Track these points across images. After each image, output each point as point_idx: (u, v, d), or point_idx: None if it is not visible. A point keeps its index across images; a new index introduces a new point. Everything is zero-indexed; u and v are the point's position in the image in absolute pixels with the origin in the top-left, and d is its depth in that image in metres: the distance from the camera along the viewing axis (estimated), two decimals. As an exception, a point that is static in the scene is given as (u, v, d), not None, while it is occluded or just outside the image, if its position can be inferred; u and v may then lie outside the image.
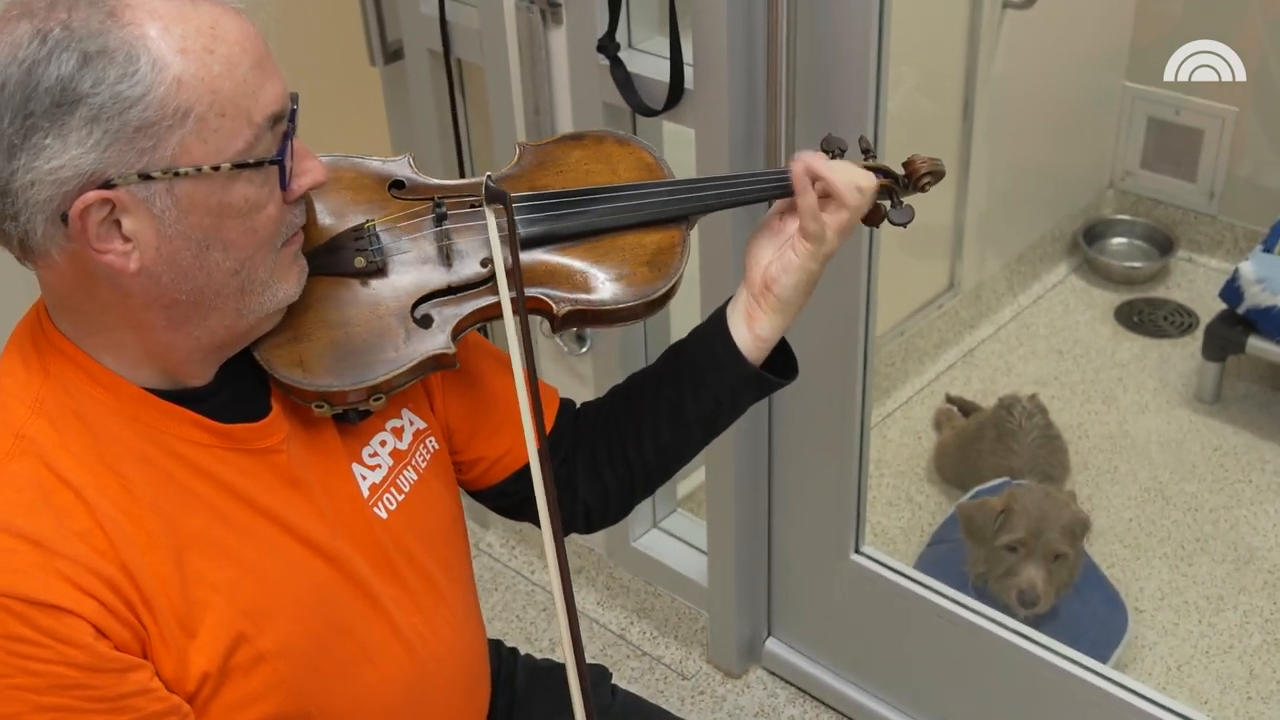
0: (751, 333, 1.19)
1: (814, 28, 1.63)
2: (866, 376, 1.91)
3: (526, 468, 1.18)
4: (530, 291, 1.12)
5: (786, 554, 2.13)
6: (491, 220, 1.11)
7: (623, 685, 1.55)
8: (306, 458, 1.09)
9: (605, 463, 1.26)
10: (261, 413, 1.07)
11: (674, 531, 2.32)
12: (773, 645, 2.23)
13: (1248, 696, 2.16)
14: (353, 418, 1.12)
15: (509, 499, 1.27)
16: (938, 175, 1.24)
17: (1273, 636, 2.25)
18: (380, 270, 1.10)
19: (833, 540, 2.04)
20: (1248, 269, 2.61)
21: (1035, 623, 2.06)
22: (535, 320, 1.14)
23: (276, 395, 1.08)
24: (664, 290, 1.15)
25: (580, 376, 2.16)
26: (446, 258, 1.11)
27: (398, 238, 1.11)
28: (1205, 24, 2.86)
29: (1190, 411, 2.76)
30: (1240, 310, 2.63)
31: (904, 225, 1.21)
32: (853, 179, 1.17)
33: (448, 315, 1.11)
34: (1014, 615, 2.04)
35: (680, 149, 1.86)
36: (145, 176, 0.92)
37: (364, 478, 1.13)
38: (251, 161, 0.95)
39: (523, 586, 2.43)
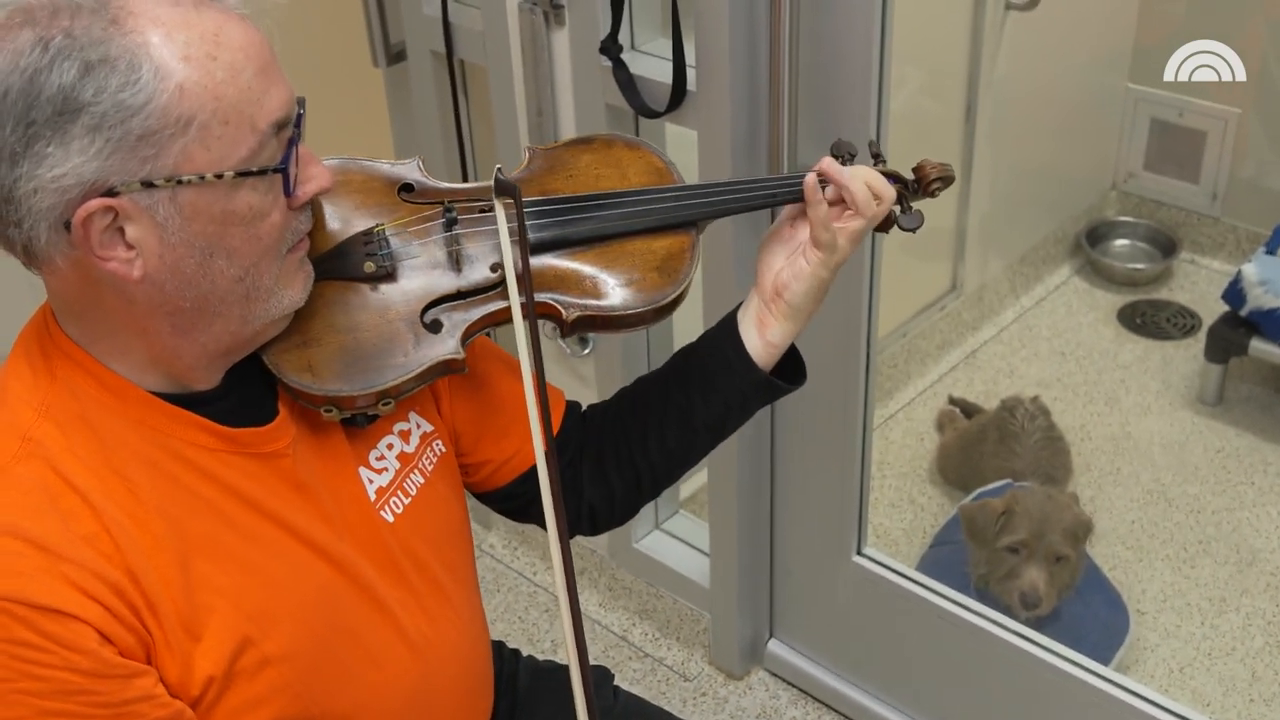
0: (762, 338, 1.19)
1: (816, 29, 1.63)
2: (869, 378, 1.91)
3: (533, 470, 1.18)
4: (540, 297, 1.12)
5: (788, 556, 2.13)
6: (502, 222, 1.10)
7: (625, 687, 1.55)
8: (313, 461, 1.09)
9: (611, 465, 1.26)
10: (268, 416, 1.07)
11: (676, 533, 2.32)
12: (775, 647, 2.23)
13: (1250, 699, 2.16)
14: (361, 422, 1.11)
15: (515, 501, 1.27)
16: (947, 181, 1.24)
17: (1275, 639, 2.25)
18: (389, 275, 1.09)
19: (835, 542, 2.04)
20: (1250, 271, 2.61)
21: (1037, 624, 2.06)
22: (543, 324, 1.13)
23: (284, 399, 1.08)
24: (674, 296, 1.15)
25: (582, 378, 2.16)
26: (456, 262, 1.11)
27: (407, 242, 1.11)
28: (1208, 25, 2.86)
29: (1193, 413, 2.76)
30: (1243, 312, 2.63)
31: (913, 230, 1.21)
32: (870, 188, 1.17)
33: (457, 320, 1.10)
34: (1016, 617, 2.04)
35: (683, 151, 1.86)
36: (148, 184, 0.91)
37: (370, 481, 1.13)
38: (255, 170, 0.95)
39: (525, 588, 2.43)
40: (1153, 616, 2.31)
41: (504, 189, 1.10)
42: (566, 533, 1.06)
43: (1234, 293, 2.64)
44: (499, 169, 1.12)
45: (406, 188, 1.15)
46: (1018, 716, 1.97)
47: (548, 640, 2.33)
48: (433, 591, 1.17)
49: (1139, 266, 3.15)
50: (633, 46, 1.82)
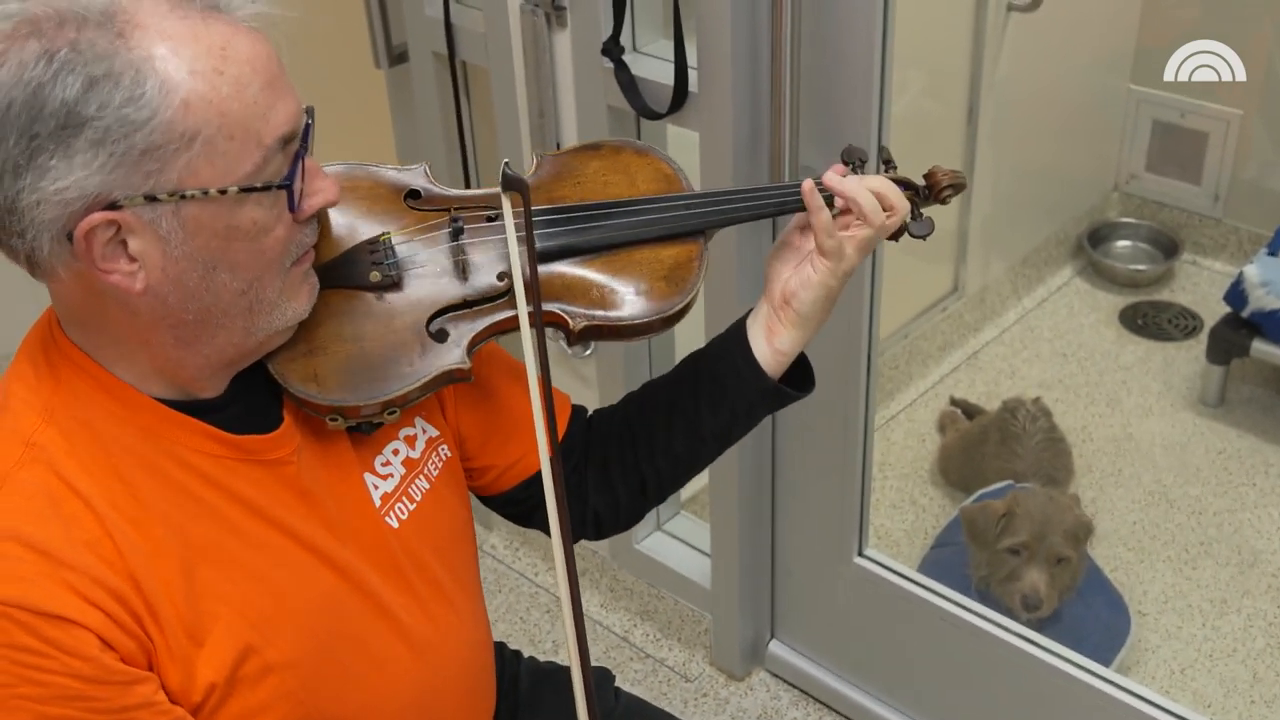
0: (771, 346, 1.18)
1: (818, 30, 1.63)
2: (870, 379, 1.91)
3: (537, 475, 1.18)
4: (547, 307, 1.11)
5: (790, 557, 2.14)
6: (510, 231, 1.09)
7: (626, 687, 1.55)
8: (318, 468, 1.09)
9: (617, 471, 1.25)
10: (273, 424, 1.06)
11: (677, 534, 2.32)
12: (776, 648, 2.23)
13: (1251, 700, 2.16)
14: (366, 429, 1.11)
15: (519, 506, 1.27)
16: (959, 188, 1.23)
17: (1276, 640, 2.25)
18: (396, 284, 1.09)
19: (836, 543, 2.04)
20: (1252, 272, 2.61)
21: (1038, 626, 2.06)
22: (549, 332, 1.13)
23: (289, 406, 1.08)
24: (681, 306, 1.14)
25: (584, 378, 2.16)
26: (463, 271, 1.10)
27: (414, 251, 1.10)
28: (1211, 26, 2.86)
29: (1194, 415, 2.76)
30: (1244, 313, 2.63)
31: (923, 238, 1.21)
32: (881, 199, 1.16)
33: (463, 330, 1.10)
34: (1017, 619, 2.04)
35: (684, 152, 1.86)
36: (151, 198, 0.91)
37: (376, 487, 1.13)
38: (259, 185, 0.94)
39: (526, 589, 2.43)
40: (1154, 618, 2.31)
41: (512, 183, 1.09)
42: (570, 539, 1.05)
43: (1235, 294, 2.64)
44: (506, 163, 1.11)
45: (413, 194, 1.14)
46: (1019, 718, 1.97)
47: (549, 641, 2.33)
48: (436, 596, 1.17)
49: (1141, 268, 3.15)
50: (634, 48, 1.83)
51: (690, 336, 1.43)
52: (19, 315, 0.97)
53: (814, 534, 2.07)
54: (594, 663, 1.47)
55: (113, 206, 0.91)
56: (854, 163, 1.20)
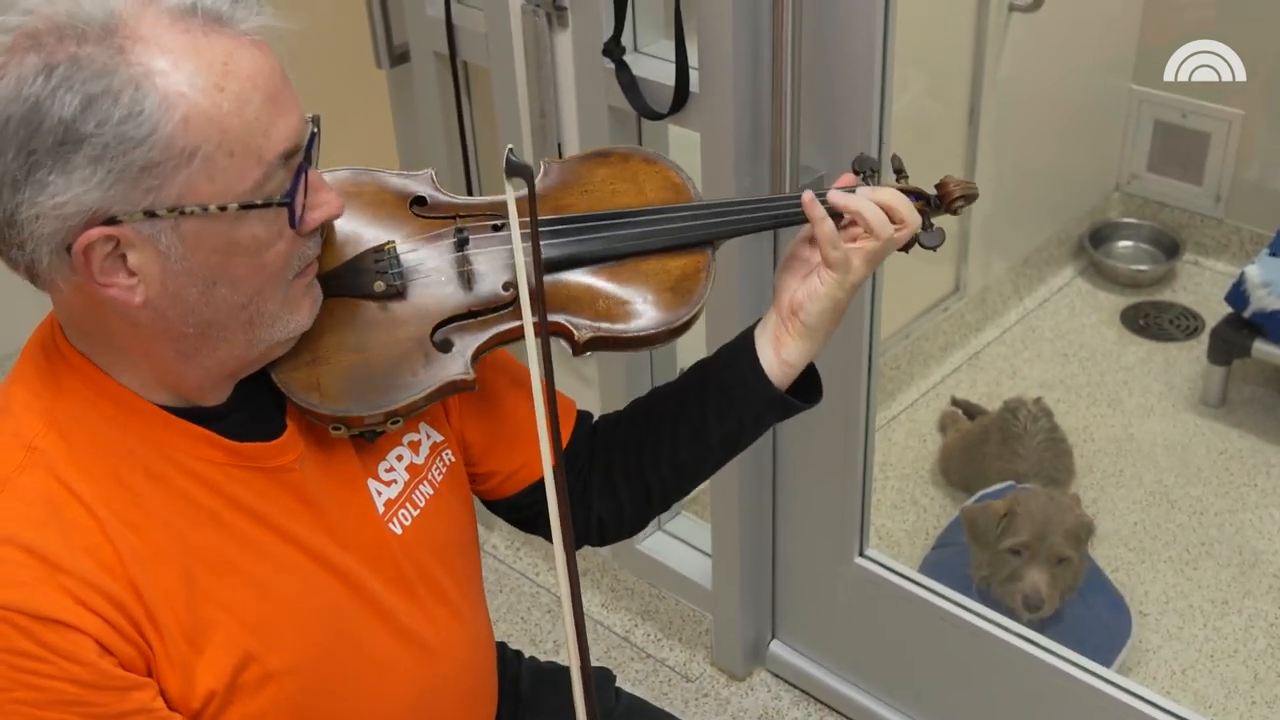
0: (778, 356, 1.17)
1: (819, 30, 1.63)
2: (871, 379, 1.91)
3: (541, 482, 1.16)
4: (552, 317, 1.10)
5: (790, 557, 2.14)
6: (516, 241, 1.08)
7: (627, 687, 1.55)
8: (320, 475, 1.08)
9: (621, 479, 1.24)
10: (276, 431, 1.06)
11: (678, 534, 2.32)
12: (777, 648, 2.23)
13: (1252, 701, 2.16)
14: (369, 437, 1.10)
15: (522, 512, 1.27)
16: (970, 198, 1.22)
17: (1277, 640, 2.25)
18: (400, 293, 1.08)
19: (837, 543, 2.04)
20: (1253, 272, 2.61)
21: (1039, 626, 2.06)
22: (555, 342, 1.12)
23: (292, 413, 1.07)
24: (688, 318, 1.13)
25: (585, 378, 2.16)
26: (468, 281, 1.09)
27: (419, 260, 1.09)
28: (1212, 27, 2.86)
29: (1196, 415, 2.76)
30: (1246, 314, 2.63)
31: (933, 249, 1.19)
32: (890, 211, 1.14)
33: (468, 340, 1.09)
34: (1018, 619, 2.04)
35: (686, 152, 1.86)
36: (150, 214, 0.90)
37: (379, 493, 1.12)
38: (259, 202, 0.93)
39: (527, 588, 2.43)
40: (1155, 618, 2.31)
41: (515, 170, 1.08)
42: (573, 550, 1.04)
43: (1237, 294, 2.64)
44: (510, 149, 1.09)
45: (419, 201, 1.13)
46: (1020, 718, 1.97)
47: (550, 641, 2.33)
48: (439, 602, 1.16)
49: (1142, 268, 3.15)
50: (635, 48, 1.83)
51: (691, 342, 1.42)
52: (19, 315, 0.97)
53: (815, 534, 2.07)
54: (595, 663, 1.47)
55: (111, 222, 0.90)
56: (865, 172, 1.19)
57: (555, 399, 1.06)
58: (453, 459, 1.20)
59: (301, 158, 0.96)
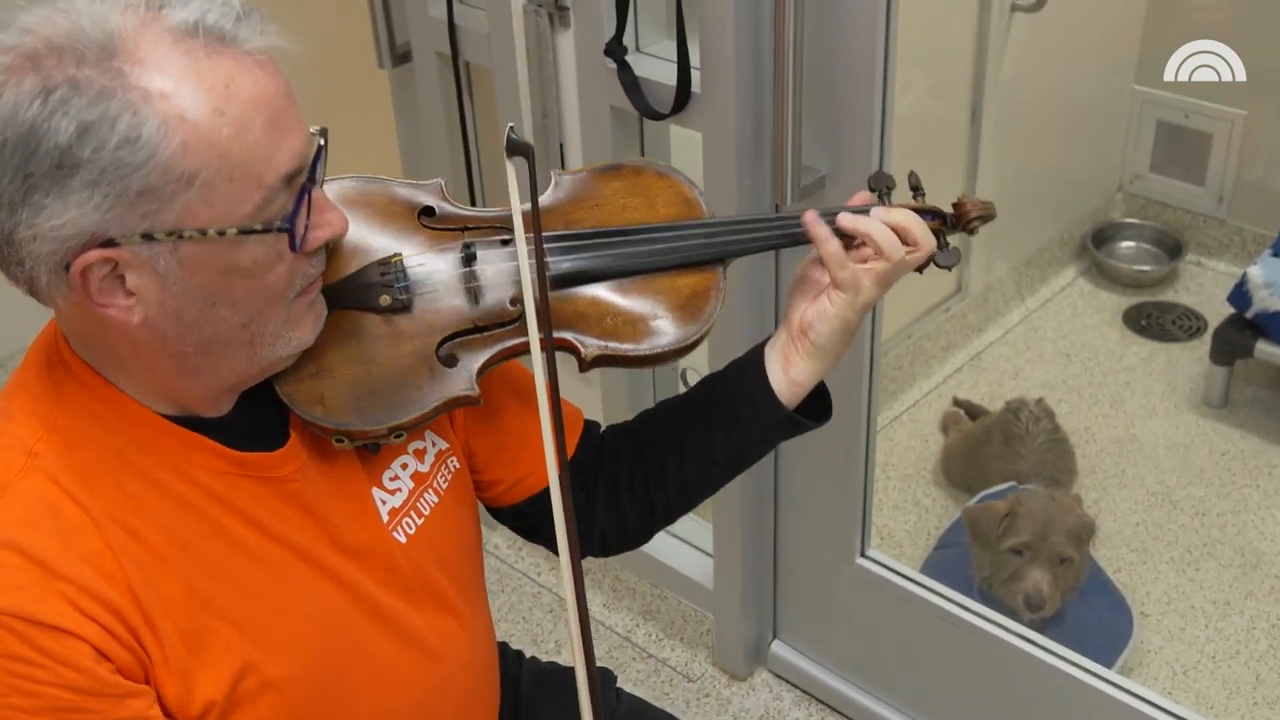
0: (787, 376, 1.15)
1: (820, 31, 1.63)
2: (873, 379, 1.91)
3: (545, 492, 1.16)
4: (559, 333, 1.09)
5: (792, 557, 2.14)
6: (523, 257, 1.06)
7: (628, 687, 1.55)
8: (324, 485, 1.08)
9: (626, 493, 1.23)
10: (279, 441, 1.05)
11: (680, 534, 2.32)
12: (778, 648, 2.23)
13: (1254, 702, 2.15)
14: (372, 449, 1.10)
15: (526, 520, 1.26)
16: (987, 218, 1.20)
17: (1279, 641, 2.25)
18: (405, 307, 1.07)
19: (838, 543, 2.04)
20: (1256, 273, 2.61)
21: (1040, 627, 2.06)
22: (561, 355, 1.10)
23: (295, 424, 1.06)
24: (696, 337, 1.12)
25: (588, 380, 2.16)
26: (474, 296, 1.08)
27: (426, 275, 1.08)
28: (1215, 27, 2.86)
29: (1198, 416, 2.76)
30: (1248, 314, 2.63)
31: (949, 268, 1.18)
32: (903, 233, 1.12)
33: (474, 355, 1.08)
34: (1019, 619, 2.04)
35: (688, 152, 1.86)
36: (148, 237, 0.90)
37: (384, 502, 1.12)
38: (258, 228, 0.92)
39: (529, 588, 2.43)
40: (1156, 619, 2.30)
41: (516, 148, 1.06)
42: (579, 566, 1.03)
43: (1239, 295, 2.64)
44: (511, 127, 1.08)
45: (427, 211, 1.11)
46: (1021, 719, 1.97)
47: (551, 641, 2.34)
48: (442, 609, 1.16)
49: (1145, 268, 3.15)
50: (637, 48, 1.83)
51: (694, 354, 1.41)
52: (19, 316, 0.97)
53: (816, 534, 2.07)
54: (597, 663, 1.47)
55: (109, 244, 0.89)
56: (880, 190, 1.17)
57: (561, 417, 1.05)
58: (457, 466, 1.19)
59: (305, 178, 0.95)
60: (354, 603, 1.09)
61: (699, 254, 1.13)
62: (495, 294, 1.09)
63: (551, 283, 1.10)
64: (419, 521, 1.14)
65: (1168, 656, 2.24)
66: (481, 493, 1.25)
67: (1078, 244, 3.20)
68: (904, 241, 1.13)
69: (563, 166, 1.96)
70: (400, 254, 1.08)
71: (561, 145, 1.94)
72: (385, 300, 1.06)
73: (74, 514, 0.95)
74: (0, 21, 0.90)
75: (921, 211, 1.17)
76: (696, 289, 1.13)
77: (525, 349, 1.08)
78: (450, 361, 1.07)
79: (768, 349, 1.17)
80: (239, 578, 1.01)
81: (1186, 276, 3.16)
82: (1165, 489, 2.58)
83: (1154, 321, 3.03)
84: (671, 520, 1.26)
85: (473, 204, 2.24)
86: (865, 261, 1.12)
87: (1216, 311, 2.87)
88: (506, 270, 1.09)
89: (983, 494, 2.38)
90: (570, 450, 1.24)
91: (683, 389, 1.37)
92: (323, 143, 0.98)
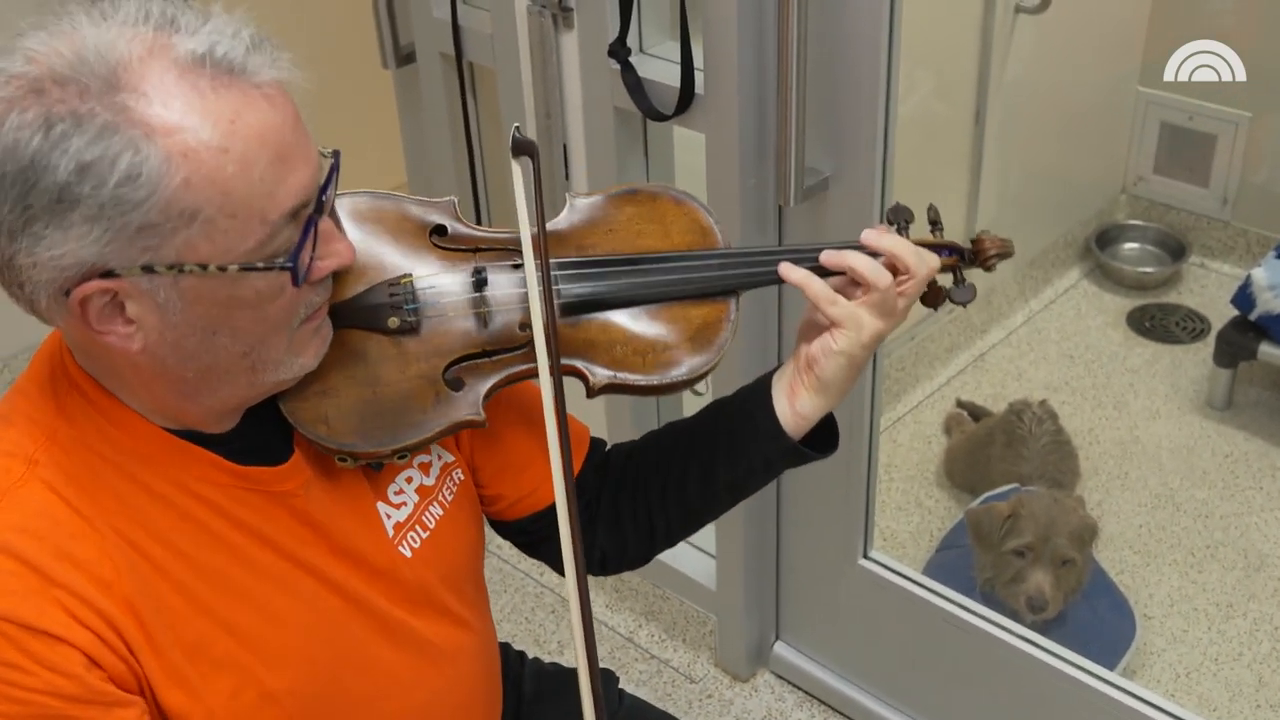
0: (792, 408, 1.14)
1: (824, 31, 1.63)
2: (876, 380, 1.91)
3: (548, 509, 1.16)
4: (568, 361, 1.08)
5: (795, 558, 2.14)
6: (532, 284, 1.05)
7: (630, 688, 1.55)
8: (328, 500, 1.07)
9: (628, 515, 1.23)
10: (283, 456, 1.05)
11: (683, 534, 2.32)
12: (780, 649, 2.23)
13: (1256, 704, 2.15)
14: (375, 467, 1.09)
15: (528, 536, 1.25)
16: (1005, 256, 1.19)
17: (1282, 644, 2.25)
18: (414, 329, 1.05)
19: (841, 545, 2.04)
20: (1260, 275, 2.61)
21: (1043, 628, 2.06)
22: (568, 380, 1.09)
23: (299, 439, 1.05)
24: (706, 369, 1.11)
25: (590, 379, 2.16)
26: (483, 321, 1.07)
27: (435, 297, 1.07)
28: (1219, 28, 2.86)
29: (1201, 418, 2.75)
30: (1252, 316, 2.62)
31: (964, 305, 1.17)
32: (896, 258, 1.11)
33: (480, 379, 1.07)
34: (1022, 621, 2.04)
35: (691, 153, 1.86)
36: (148, 270, 0.88)
37: (389, 516, 1.11)
38: (260, 265, 0.91)
39: (532, 589, 2.44)
40: (1159, 621, 2.30)
41: (521, 147, 1.05)
42: (585, 586, 1.02)
43: (1243, 297, 2.64)
44: (517, 127, 1.07)
45: (439, 230, 1.10)
46: (1023, 720, 1.97)
47: (554, 641, 2.34)
48: (446, 617, 1.16)
49: (1148, 270, 3.15)
50: (641, 49, 1.83)
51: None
52: (21, 316, 0.96)
53: (819, 536, 2.07)
54: (599, 664, 1.47)
55: (109, 275, 0.88)
56: (899, 223, 1.16)
57: (569, 442, 1.03)
58: (462, 477, 1.18)
59: (312, 209, 0.93)
60: (357, 614, 1.08)
61: (712, 285, 1.12)
62: (504, 318, 1.08)
63: (562, 309, 1.09)
64: (424, 535, 1.13)
65: (1170, 659, 2.23)
66: (484, 506, 1.24)
67: (1081, 245, 3.20)
68: (895, 269, 1.11)
69: (566, 167, 1.96)
70: (410, 275, 1.07)
71: (565, 146, 1.95)
72: (394, 322, 1.05)
73: (73, 522, 0.94)
74: (4, 42, 0.89)
75: (939, 247, 1.17)
76: (708, 319, 1.11)
77: (533, 374, 1.06)
78: (457, 385, 1.06)
79: (775, 378, 1.16)
80: (239, 589, 1.01)
81: (1190, 278, 3.15)
82: (1168, 491, 2.58)
83: (1157, 323, 3.03)
84: (672, 543, 1.25)
85: (475, 204, 2.25)
86: (864, 295, 1.11)
87: (1220, 313, 2.87)
88: (517, 295, 1.08)
89: (985, 495, 2.38)
90: (576, 468, 1.23)
91: (686, 404, 1.36)
92: (335, 164, 0.96)
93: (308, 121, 0.94)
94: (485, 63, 2.06)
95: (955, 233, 2.87)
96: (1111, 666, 2.05)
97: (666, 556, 2.26)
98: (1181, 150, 3.13)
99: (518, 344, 1.08)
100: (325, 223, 0.96)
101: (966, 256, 1.19)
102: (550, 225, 1.12)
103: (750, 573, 2.12)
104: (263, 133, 0.89)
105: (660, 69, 1.79)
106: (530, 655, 1.46)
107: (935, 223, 1.20)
